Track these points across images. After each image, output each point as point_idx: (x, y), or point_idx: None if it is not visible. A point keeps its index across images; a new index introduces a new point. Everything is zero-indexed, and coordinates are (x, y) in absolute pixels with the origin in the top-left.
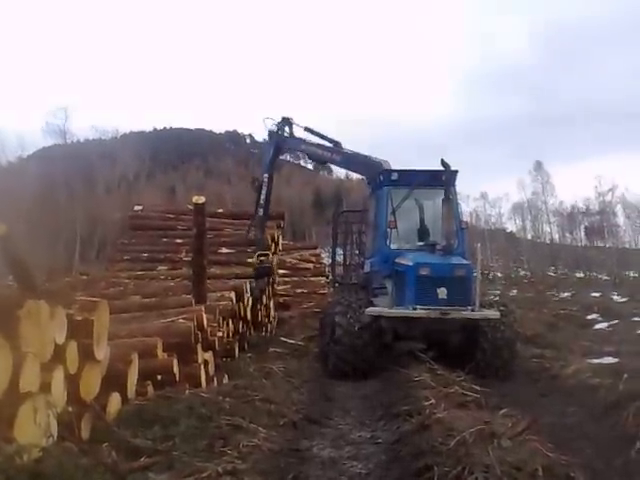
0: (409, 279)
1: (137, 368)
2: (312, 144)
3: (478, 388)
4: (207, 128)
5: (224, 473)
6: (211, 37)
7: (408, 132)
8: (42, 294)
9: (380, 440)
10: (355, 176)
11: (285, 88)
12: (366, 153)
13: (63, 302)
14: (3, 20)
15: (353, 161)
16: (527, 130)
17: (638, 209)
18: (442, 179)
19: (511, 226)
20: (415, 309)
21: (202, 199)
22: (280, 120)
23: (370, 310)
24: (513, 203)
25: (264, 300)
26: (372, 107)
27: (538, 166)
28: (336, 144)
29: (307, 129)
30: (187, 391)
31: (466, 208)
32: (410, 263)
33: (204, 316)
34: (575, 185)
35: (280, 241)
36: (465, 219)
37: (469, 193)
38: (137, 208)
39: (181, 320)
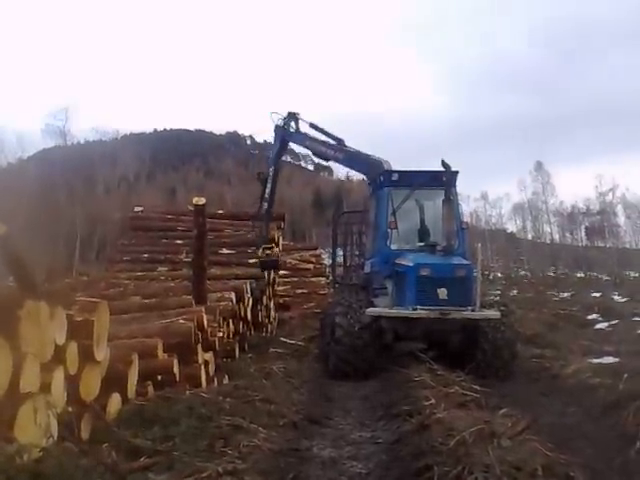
0: (409, 279)
1: (137, 368)
2: (316, 140)
3: (478, 388)
4: (207, 129)
5: (224, 473)
6: (211, 38)
7: (408, 132)
8: (42, 295)
9: (380, 440)
10: (355, 177)
11: (284, 88)
12: (368, 152)
13: (63, 303)
14: (3, 20)
15: (355, 160)
16: (528, 130)
17: (638, 209)
18: (442, 180)
19: (511, 226)
20: (415, 309)
21: (202, 200)
22: (286, 115)
23: (370, 310)
24: (514, 203)
25: (264, 301)
26: (371, 107)
27: (539, 166)
28: (339, 141)
29: (312, 125)
30: (187, 391)
31: (466, 208)
32: (410, 264)
33: (204, 317)
34: (576, 185)
35: (280, 242)
36: (465, 219)
37: (469, 193)
38: (137, 209)
39: (181, 321)
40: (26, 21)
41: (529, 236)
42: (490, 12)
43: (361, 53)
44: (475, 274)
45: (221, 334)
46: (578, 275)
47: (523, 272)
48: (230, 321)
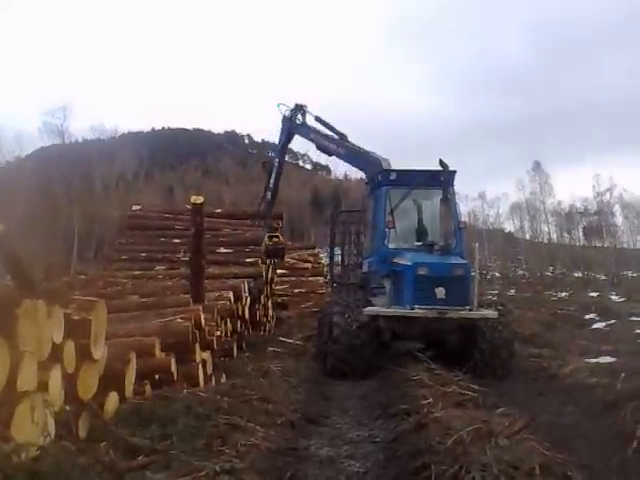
0: (407, 279)
1: (135, 367)
2: (321, 134)
3: (476, 387)
4: (205, 128)
5: (222, 472)
6: (209, 37)
7: (406, 131)
8: (40, 293)
9: (378, 439)
10: (353, 176)
11: (283, 89)
12: (369, 149)
13: (61, 301)
14: (2, 18)
15: (355, 157)
16: (526, 130)
17: (636, 209)
18: (440, 179)
19: (509, 226)
20: (413, 309)
21: (200, 199)
22: (293, 107)
23: (368, 310)
24: (511, 203)
25: (262, 300)
26: (370, 108)
27: (536, 166)
28: (342, 137)
29: (317, 118)
30: (185, 390)
31: (464, 208)
32: (408, 263)
33: (202, 315)
34: (573, 185)
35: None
36: (463, 219)
37: (467, 193)
38: (135, 208)
39: (179, 319)
40: (24, 19)
41: (527, 236)
42: (489, 13)
43: (357, 52)
44: (473, 273)
45: (219, 333)
46: (576, 275)
47: (521, 272)
48: (228, 320)
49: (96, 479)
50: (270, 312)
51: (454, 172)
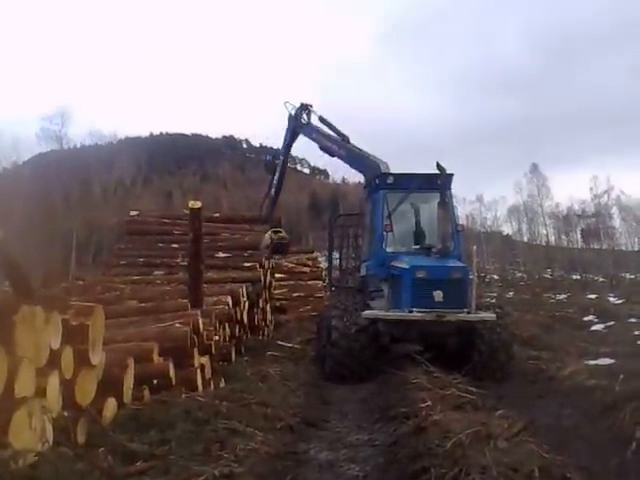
0: (405, 282)
1: (133, 373)
2: (324, 135)
3: (474, 390)
4: (203, 133)
5: (221, 477)
6: (207, 42)
7: (404, 134)
8: (38, 299)
9: (377, 442)
10: (351, 180)
11: (282, 91)
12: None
13: (58, 307)
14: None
15: (355, 159)
16: (523, 132)
17: (633, 212)
18: (438, 182)
19: (507, 229)
20: (411, 312)
21: (198, 204)
22: (299, 106)
23: (366, 313)
24: (509, 206)
25: (261, 304)
26: (367, 109)
27: (534, 168)
28: (344, 138)
29: (321, 119)
30: (183, 395)
31: (462, 211)
32: (406, 266)
33: (200, 320)
34: (571, 187)
35: None
36: (461, 222)
37: (465, 196)
38: (133, 213)
39: (177, 324)
40: (22, 25)
41: (525, 238)
42: (486, 15)
43: (355, 54)
44: (471, 276)
45: (217, 337)
46: (574, 277)
47: (519, 274)
48: (226, 324)
49: None
50: (269, 316)
51: (451, 175)
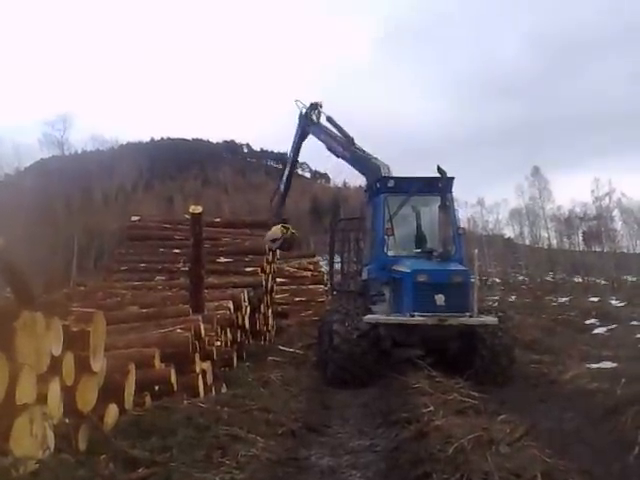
0: (406, 286)
1: (134, 379)
2: (331, 136)
3: (476, 394)
4: (204, 138)
5: None
6: (208, 48)
7: (405, 137)
8: (39, 305)
9: (379, 448)
10: (353, 184)
11: (283, 95)
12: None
13: (59, 313)
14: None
15: (358, 161)
16: (524, 135)
17: (635, 214)
18: (439, 186)
19: (509, 232)
20: (413, 316)
21: (199, 209)
22: (309, 105)
23: (368, 317)
24: (511, 209)
25: (262, 309)
26: (368, 112)
27: (535, 171)
28: (349, 139)
29: (329, 119)
30: (185, 401)
31: (463, 214)
32: (407, 270)
33: (202, 326)
34: (573, 190)
35: (277, 250)
36: (462, 225)
37: (466, 199)
38: (134, 218)
39: (179, 330)
40: (24, 31)
41: (527, 241)
42: (487, 18)
43: (357, 57)
44: (472, 280)
45: (219, 343)
46: (576, 280)
47: (521, 277)
48: (228, 330)
49: None
50: (270, 321)
51: (452, 178)
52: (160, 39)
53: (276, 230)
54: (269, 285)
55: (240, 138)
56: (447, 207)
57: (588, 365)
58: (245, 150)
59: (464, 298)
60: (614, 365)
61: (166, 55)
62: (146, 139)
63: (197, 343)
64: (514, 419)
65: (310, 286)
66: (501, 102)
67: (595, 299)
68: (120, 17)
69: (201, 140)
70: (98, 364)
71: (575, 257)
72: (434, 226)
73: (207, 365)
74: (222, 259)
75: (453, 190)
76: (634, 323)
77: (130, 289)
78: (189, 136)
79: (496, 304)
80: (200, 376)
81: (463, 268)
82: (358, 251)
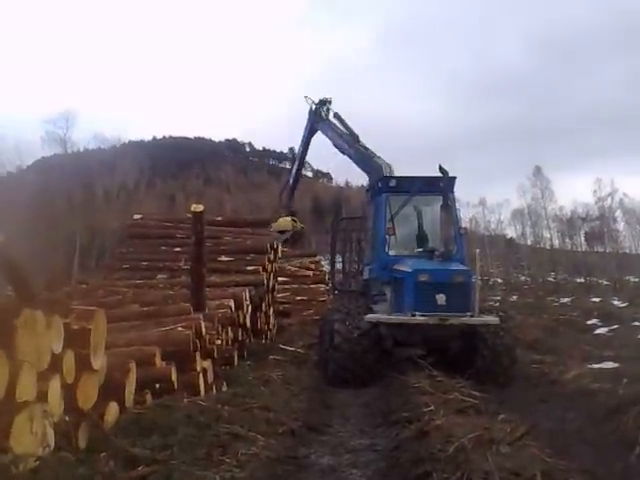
0: (408, 285)
1: (135, 377)
2: (337, 133)
3: (477, 394)
4: (206, 136)
5: None
6: (210, 46)
7: (406, 138)
8: (39, 303)
9: (379, 447)
10: (355, 183)
11: (284, 94)
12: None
13: (60, 311)
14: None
15: (362, 160)
16: (526, 135)
17: (637, 215)
18: (440, 185)
19: (511, 232)
20: (414, 315)
21: (200, 207)
22: (318, 101)
23: (369, 317)
24: (513, 209)
25: (264, 308)
26: (368, 112)
27: (537, 172)
28: (354, 137)
29: (336, 115)
30: (185, 399)
31: (465, 214)
32: (409, 269)
33: (203, 324)
34: (575, 191)
35: (280, 248)
36: (464, 225)
37: (468, 199)
38: (136, 217)
39: (180, 328)
40: (27, 28)
41: (529, 242)
42: (488, 18)
43: (356, 56)
44: (474, 280)
45: (220, 341)
46: (578, 280)
47: (523, 278)
48: (229, 328)
49: None
50: (271, 320)
51: (454, 178)
52: (163, 37)
53: (286, 222)
54: (270, 284)
55: (242, 137)
56: (449, 207)
57: (590, 365)
58: (247, 149)
59: (465, 298)
60: (616, 365)
61: (169, 53)
62: (148, 138)
63: (198, 341)
64: (515, 419)
65: (311, 285)
66: (503, 102)
67: (597, 299)
68: (123, 15)
69: (203, 139)
70: (99, 362)
71: (577, 257)
72: (436, 226)
73: (208, 363)
74: (223, 258)
75: (455, 190)
76: (636, 324)
77: (131, 287)
78: (191, 135)
79: (498, 304)
80: (201, 374)
81: (464, 268)
82: (359, 250)
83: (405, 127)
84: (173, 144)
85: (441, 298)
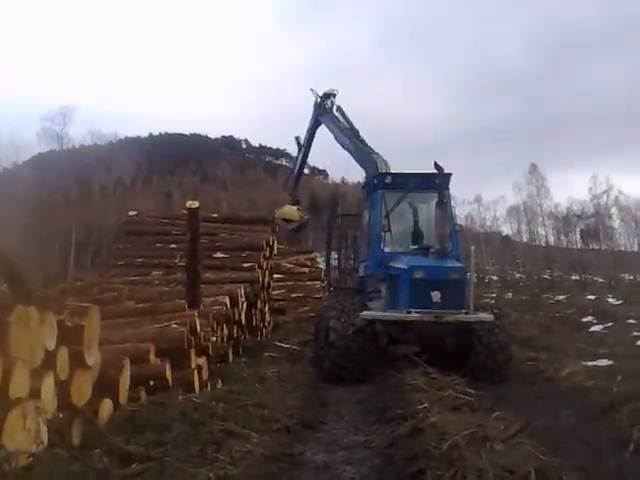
0: (403, 282)
1: (129, 373)
2: (339, 127)
3: (472, 391)
4: (203, 133)
5: (216, 479)
6: (207, 43)
7: (402, 135)
8: (33, 300)
9: (374, 444)
10: (351, 180)
11: (283, 92)
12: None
13: (53, 308)
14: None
15: (360, 155)
16: (522, 133)
17: (632, 212)
18: (436, 182)
19: (506, 229)
20: (409, 313)
21: (196, 204)
22: (323, 94)
23: (364, 314)
24: (508, 206)
25: (259, 304)
26: (366, 109)
27: (533, 169)
28: (354, 131)
29: (338, 109)
30: (180, 397)
31: (461, 211)
32: (404, 266)
33: (197, 321)
34: (570, 188)
35: (275, 245)
36: (459, 222)
37: (464, 196)
38: (132, 213)
39: (174, 325)
40: (24, 24)
41: (524, 239)
42: (486, 16)
43: (355, 54)
44: (469, 277)
45: (215, 338)
46: (573, 278)
47: (518, 275)
48: (224, 325)
49: None
50: (267, 317)
51: (449, 175)
52: (159, 33)
53: (292, 211)
54: (266, 281)
55: (239, 134)
56: (444, 204)
57: (584, 363)
58: (244, 146)
59: (461, 295)
60: (610, 363)
61: (165, 50)
62: (144, 134)
63: (193, 338)
64: (509, 416)
65: (307, 282)
66: (499, 100)
67: (592, 297)
68: (120, 11)
69: (199, 135)
70: (92, 358)
71: (572, 255)
72: (431, 222)
73: (202, 360)
74: (219, 254)
75: (450, 187)
76: (631, 321)
77: (127, 284)
78: (187, 131)
79: (493, 301)
80: (195, 371)
81: (460, 265)
82: (355, 247)
83: (401, 125)
84: (169, 140)
85: (436, 295)
